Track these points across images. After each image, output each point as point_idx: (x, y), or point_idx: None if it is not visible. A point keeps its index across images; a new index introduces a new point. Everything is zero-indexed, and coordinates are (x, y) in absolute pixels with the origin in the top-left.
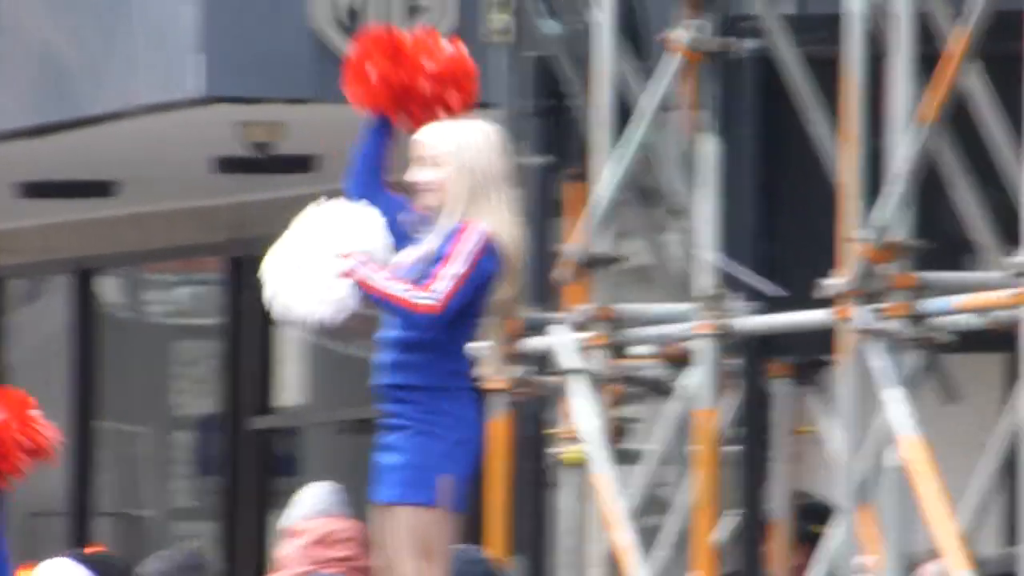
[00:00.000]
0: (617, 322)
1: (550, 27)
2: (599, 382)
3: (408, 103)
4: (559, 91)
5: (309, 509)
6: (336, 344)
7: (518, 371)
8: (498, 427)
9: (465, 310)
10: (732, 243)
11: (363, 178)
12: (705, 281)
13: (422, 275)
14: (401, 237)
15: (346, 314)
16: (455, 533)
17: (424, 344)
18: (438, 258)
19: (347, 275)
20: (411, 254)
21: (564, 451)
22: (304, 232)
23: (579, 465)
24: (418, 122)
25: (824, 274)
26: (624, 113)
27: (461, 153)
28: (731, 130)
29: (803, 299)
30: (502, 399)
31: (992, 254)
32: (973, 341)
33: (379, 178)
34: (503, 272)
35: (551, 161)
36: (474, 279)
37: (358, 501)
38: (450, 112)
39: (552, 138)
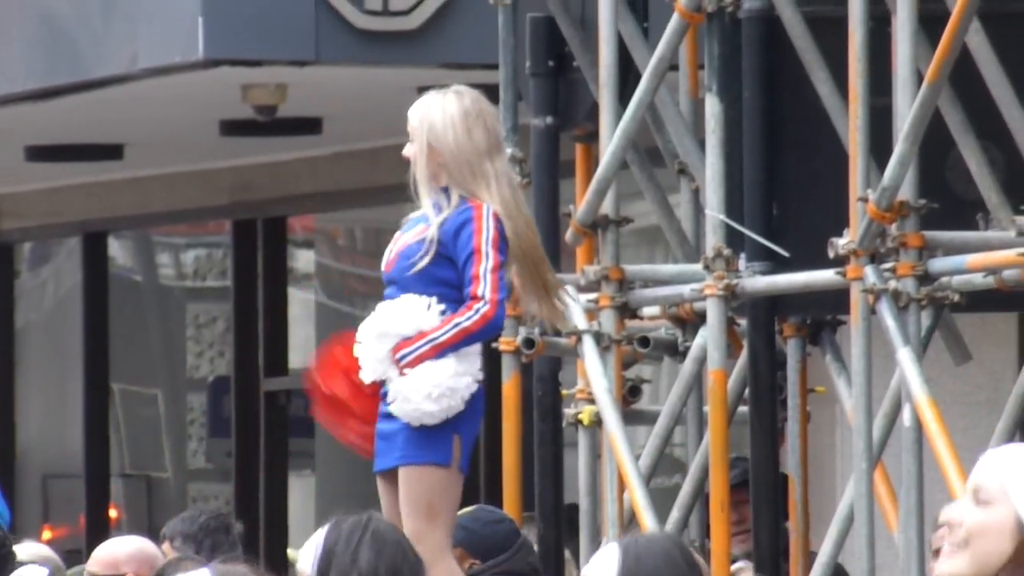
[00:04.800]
0: (627, 283)
1: None
2: (609, 343)
3: None
4: (563, 51)
5: None
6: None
7: (528, 332)
8: (509, 388)
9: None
10: (736, 203)
11: None
12: (713, 241)
13: (425, 253)
14: None
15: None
16: (459, 495)
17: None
18: (468, 255)
19: (410, 365)
20: (414, 235)
21: (580, 411)
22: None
23: (594, 426)
24: None
25: (827, 234)
26: (627, 73)
27: (423, 128)
28: (733, 90)
29: (807, 259)
30: (512, 360)
31: (1001, 213)
32: (982, 301)
33: None
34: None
35: (556, 122)
36: (502, 261)
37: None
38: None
39: (557, 98)
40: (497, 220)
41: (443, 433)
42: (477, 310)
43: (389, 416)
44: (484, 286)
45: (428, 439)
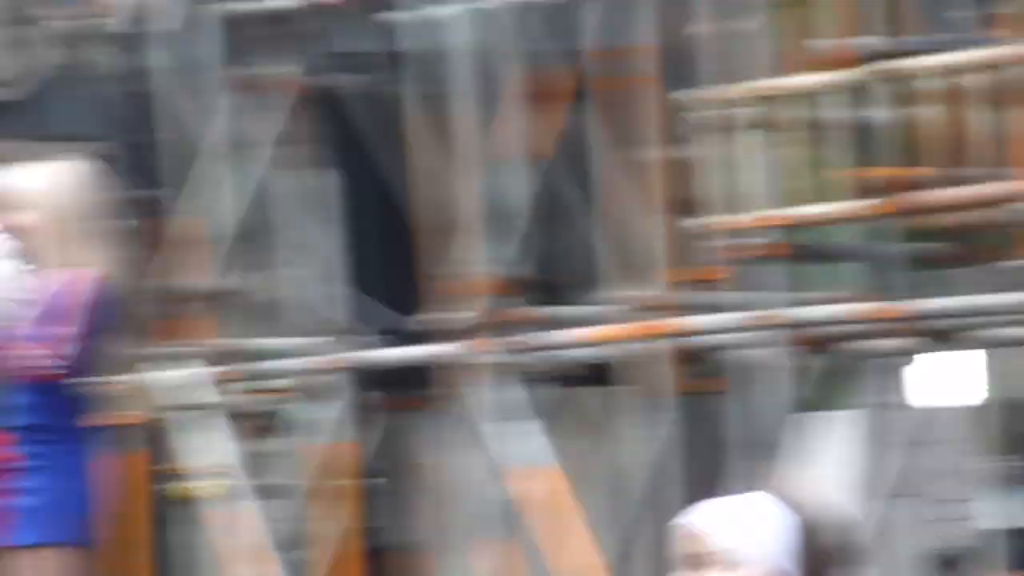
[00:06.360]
0: (237, 356)
1: (105, 63)
2: (232, 416)
3: None
4: (149, 126)
5: None
6: None
7: (150, 406)
8: (136, 462)
9: (89, 353)
10: (335, 279)
11: None
12: (336, 314)
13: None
14: None
15: None
16: (91, 571)
17: (53, 386)
18: (59, 315)
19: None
20: (28, 311)
21: (194, 486)
22: None
23: (213, 499)
24: None
25: (413, 311)
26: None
27: (49, 196)
28: (322, 166)
29: (397, 335)
30: (136, 434)
31: (611, 288)
32: (602, 375)
33: None
34: (121, 311)
35: (139, 194)
36: (96, 326)
37: None
38: None
39: (139, 172)
40: (99, 284)
41: (75, 511)
42: (57, 366)
43: (24, 491)
44: (67, 349)
45: (61, 518)
